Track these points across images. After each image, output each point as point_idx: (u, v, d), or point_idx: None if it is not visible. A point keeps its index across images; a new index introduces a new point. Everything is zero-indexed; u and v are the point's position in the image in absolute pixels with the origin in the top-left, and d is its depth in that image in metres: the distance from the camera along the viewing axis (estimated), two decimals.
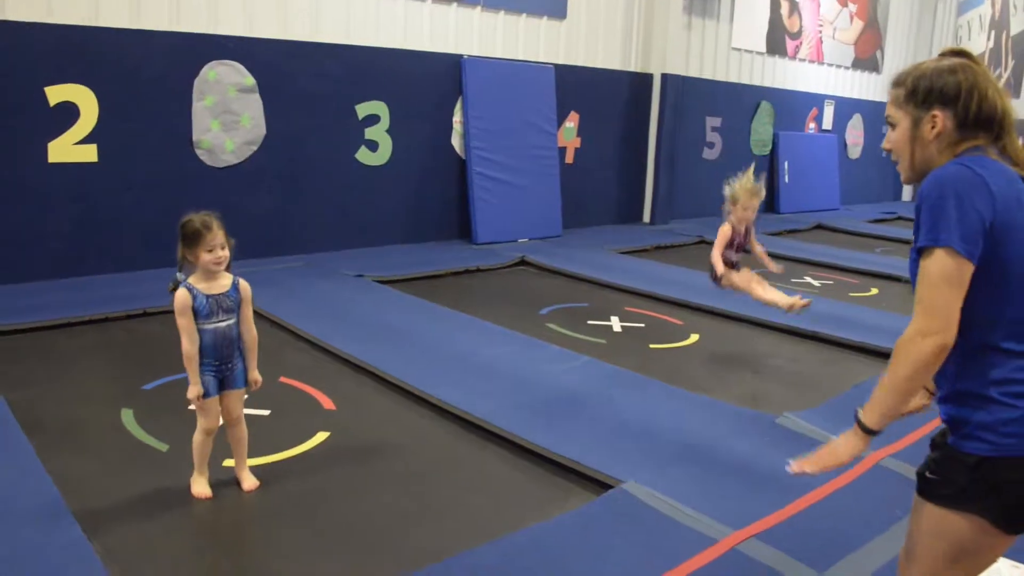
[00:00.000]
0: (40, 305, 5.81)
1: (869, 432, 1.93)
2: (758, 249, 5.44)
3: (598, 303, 6.99)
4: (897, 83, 2.01)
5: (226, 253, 3.23)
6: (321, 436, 4.02)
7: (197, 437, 3.34)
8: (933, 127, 1.93)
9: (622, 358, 5.34)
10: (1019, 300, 1.85)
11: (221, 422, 3.38)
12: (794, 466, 2.01)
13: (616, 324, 6.32)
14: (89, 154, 6.68)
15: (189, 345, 3.20)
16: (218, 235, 3.19)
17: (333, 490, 3.51)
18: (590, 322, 6.34)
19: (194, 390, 3.22)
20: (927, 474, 1.95)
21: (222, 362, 3.28)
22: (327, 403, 4.45)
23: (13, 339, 5.27)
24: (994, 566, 3.01)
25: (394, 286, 7.07)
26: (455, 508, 3.44)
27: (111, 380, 4.68)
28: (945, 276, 1.78)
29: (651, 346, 5.78)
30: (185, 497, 3.35)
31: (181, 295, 3.19)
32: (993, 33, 18.58)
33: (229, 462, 3.56)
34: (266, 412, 4.25)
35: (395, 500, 3.47)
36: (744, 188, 5.22)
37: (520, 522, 3.24)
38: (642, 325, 6.34)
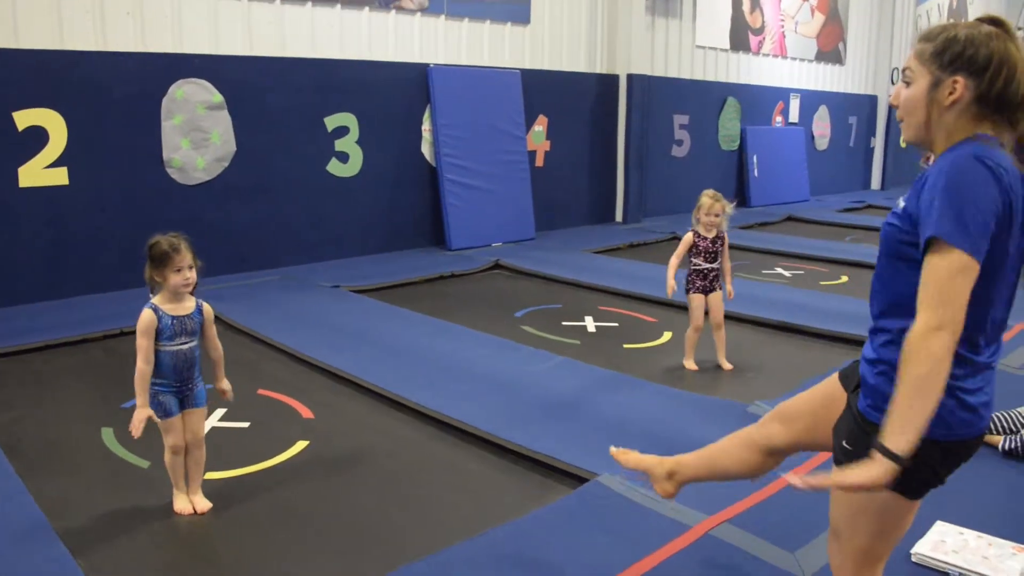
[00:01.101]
0: (18, 329, 5.83)
1: (897, 459, 1.72)
2: (727, 266, 5.44)
3: (572, 304, 7.08)
4: (926, 38, 1.89)
5: (194, 275, 3.27)
6: (300, 445, 4.08)
7: (167, 457, 3.38)
8: (951, 93, 1.83)
9: (596, 358, 5.42)
10: (985, 303, 1.82)
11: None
12: (796, 481, 1.83)
13: (590, 324, 6.40)
14: (60, 177, 6.71)
15: (144, 366, 3.21)
16: (186, 256, 3.23)
17: (314, 496, 3.57)
18: (565, 323, 6.42)
19: (143, 412, 3.19)
20: (844, 443, 1.96)
21: (182, 383, 3.32)
22: (305, 412, 4.51)
23: None
24: (961, 537, 3.13)
25: (370, 295, 7.13)
26: (435, 507, 3.51)
27: (91, 400, 4.71)
28: (957, 271, 1.70)
29: (625, 346, 5.86)
30: (168, 512, 3.40)
31: (146, 316, 3.21)
32: (952, 20, 18.85)
33: (210, 475, 3.61)
34: (245, 424, 4.30)
35: (376, 502, 3.53)
36: (707, 194, 5.33)
37: (499, 518, 3.31)
38: (616, 324, 6.42)
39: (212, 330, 3.42)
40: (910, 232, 1.84)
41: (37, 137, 6.57)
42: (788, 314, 6.42)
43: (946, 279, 1.71)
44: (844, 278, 8.36)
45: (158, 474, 3.67)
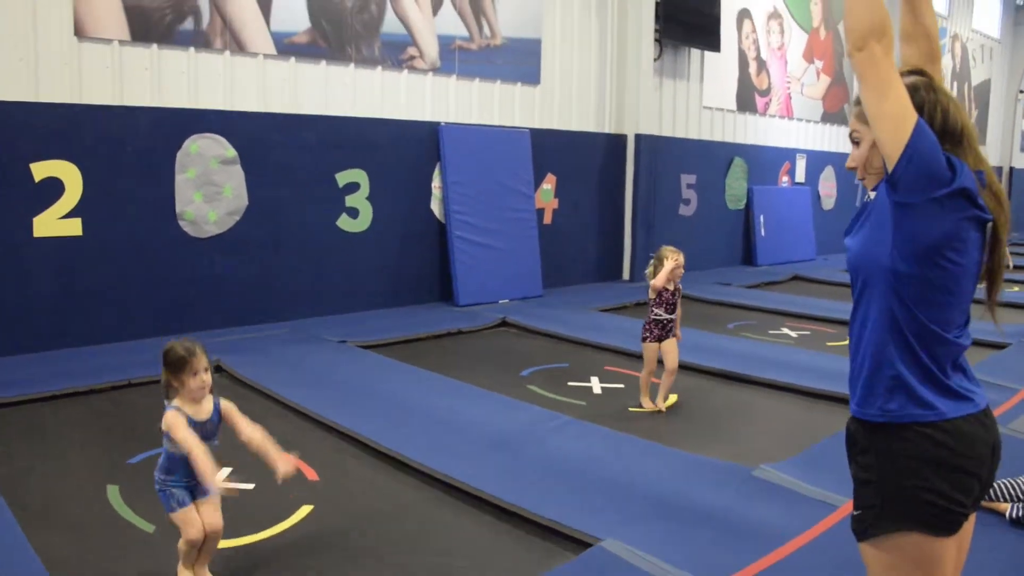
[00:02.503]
0: (24, 379, 5.85)
1: None
2: (679, 313, 5.80)
3: (579, 363, 7.08)
4: (861, 101, 2.03)
5: (209, 377, 3.25)
6: (305, 510, 4.04)
7: (182, 545, 3.28)
8: None
9: (601, 420, 5.37)
10: (952, 306, 1.96)
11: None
12: None
13: (596, 385, 6.39)
14: (74, 228, 6.79)
15: (199, 450, 3.11)
16: (202, 359, 3.22)
17: (319, 565, 3.54)
18: (570, 383, 6.42)
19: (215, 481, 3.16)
20: (853, 513, 2.04)
21: (192, 478, 3.24)
22: (311, 474, 4.48)
23: None
24: None
25: (377, 351, 7.15)
26: (435, 572, 3.48)
27: (97, 454, 4.72)
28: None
29: (630, 409, 5.81)
30: None
31: (173, 415, 3.17)
32: (955, 84, 19.12)
33: (222, 543, 3.59)
34: (251, 486, 4.28)
35: (379, 571, 3.51)
36: (667, 248, 5.73)
37: None
38: (622, 386, 6.40)
39: (239, 419, 3.36)
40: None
41: (53, 188, 6.67)
42: (795, 375, 6.42)
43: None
44: None
45: (163, 538, 3.66)
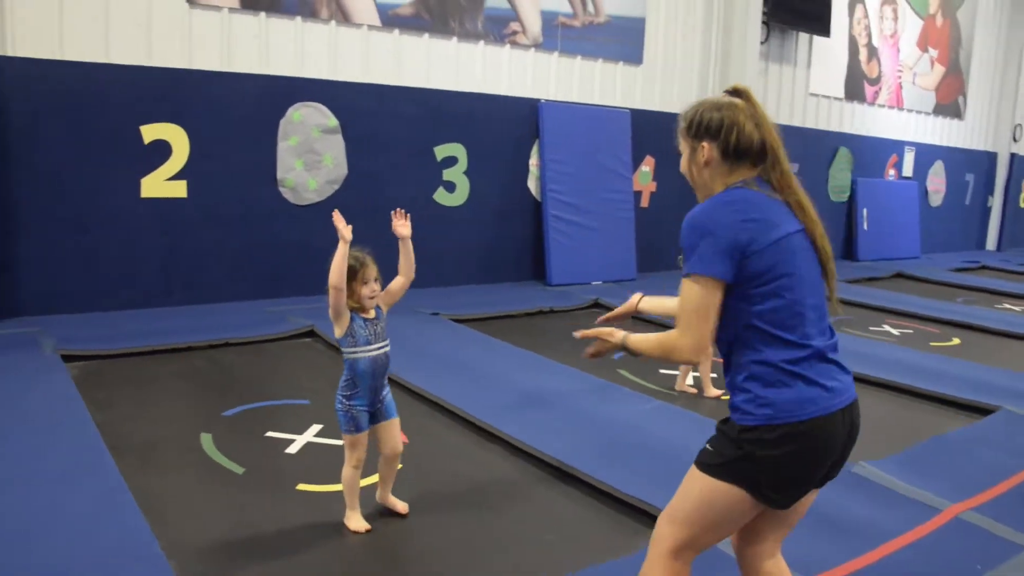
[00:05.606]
0: (129, 333, 6.05)
1: (625, 346, 2.45)
2: None
3: None
4: (682, 117, 2.32)
5: (379, 287, 3.44)
6: None
7: (347, 472, 3.43)
8: (702, 155, 2.25)
9: (693, 408, 5.26)
10: (792, 303, 2.16)
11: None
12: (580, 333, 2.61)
13: (688, 376, 6.24)
14: (179, 190, 6.97)
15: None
16: (373, 269, 3.43)
17: (401, 522, 3.56)
18: (662, 371, 6.29)
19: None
20: (707, 446, 2.24)
21: (375, 394, 3.40)
22: (402, 437, 4.50)
23: (103, 364, 5.50)
24: None
25: (468, 325, 7.15)
26: (523, 543, 3.45)
27: (193, 406, 4.84)
28: (697, 302, 2.11)
29: (723, 398, 5.68)
30: (256, 518, 3.44)
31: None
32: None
33: (303, 486, 3.62)
34: (340, 442, 4.31)
35: (464, 533, 3.50)
36: None
37: (588, 560, 3.23)
38: (713, 376, 6.24)
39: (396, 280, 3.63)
40: None
41: (161, 150, 6.85)
42: (896, 374, 6.16)
43: (687, 311, 2.14)
44: (956, 340, 8.00)
45: (252, 480, 3.79)
